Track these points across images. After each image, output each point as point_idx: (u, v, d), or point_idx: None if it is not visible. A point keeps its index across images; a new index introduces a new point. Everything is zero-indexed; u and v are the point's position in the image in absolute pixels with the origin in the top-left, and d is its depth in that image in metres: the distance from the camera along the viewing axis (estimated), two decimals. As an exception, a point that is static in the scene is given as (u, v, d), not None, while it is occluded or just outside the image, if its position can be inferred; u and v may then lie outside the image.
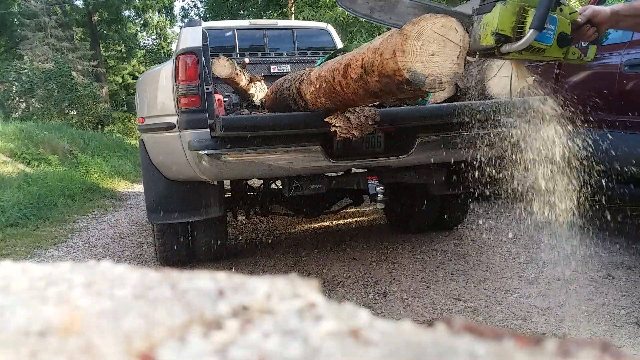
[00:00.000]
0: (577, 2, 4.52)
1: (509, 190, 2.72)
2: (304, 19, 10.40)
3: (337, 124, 2.07)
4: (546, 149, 1.78)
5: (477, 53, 1.46)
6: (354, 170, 2.86)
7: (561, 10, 1.36)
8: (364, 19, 1.56)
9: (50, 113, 13.19)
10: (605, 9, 1.46)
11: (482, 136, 2.50)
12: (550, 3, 1.30)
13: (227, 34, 4.25)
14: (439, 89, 1.38)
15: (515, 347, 0.23)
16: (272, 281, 0.29)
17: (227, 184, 3.28)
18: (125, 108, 21.35)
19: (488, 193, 2.52)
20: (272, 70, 4.15)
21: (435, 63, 1.34)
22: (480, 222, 3.98)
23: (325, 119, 2.12)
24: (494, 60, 2.56)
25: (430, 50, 1.33)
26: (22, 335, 0.23)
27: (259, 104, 3.29)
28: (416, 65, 1.33)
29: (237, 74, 3.08)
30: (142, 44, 28.92)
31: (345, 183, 2.83)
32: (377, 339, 0.23)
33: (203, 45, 2.44)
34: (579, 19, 1.42)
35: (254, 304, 0.27)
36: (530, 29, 1.30)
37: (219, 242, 3.11)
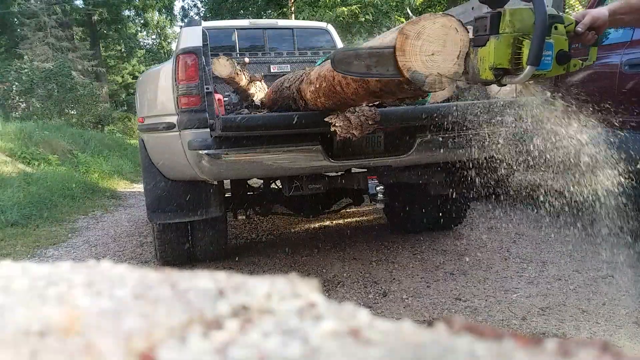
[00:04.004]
0: (577, 2, 4.51)
1: (509, 190, 2.72)
2: (304, 19, 10.40)
3: (337, 124, 2.07)
4: (546, 147, 1.78)
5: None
6: (354, 170, 2.86)
7: (556, 28, 1.33)
8: (364, 77, 1.54)
9: (50, 113, 13.19)
10: (603, 11, 1.44)
11: (482, 136, 2.50)
12: (544, 34, 1.27)
13: (227, 34, 4.24)
14: (439, 88, 1.38)
15: (515, 347, 0.23)
16: (272, 281, 0.29)
17: (227, 183, 3.28)
18: (125, 108, 21.33)
19: (488, 193, 2.52)
20: (272, 70, 4.15)
21: (435, 63, 1.34)
22: (480, 222, 3.98)
23: (325, 119, 2.12)
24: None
25: (430, 50, 1.33)
26: (22, 335, 0.23)
27: (259, 104, 3.29)
28: (416, 65, 1.33)
29: (237, 73, 3.08)
30: (142, 43, 28.91)
31: (345, 183, 2.83)
32: (377, 338, 0.23)
33: (203, 45, 2.44)
34: (579, 29, 1.40)
35: (254, 304, 0.27)
36: (527, 64, 1.28)
37: (219, 242, 3.11)
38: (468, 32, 1.37)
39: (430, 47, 1.33)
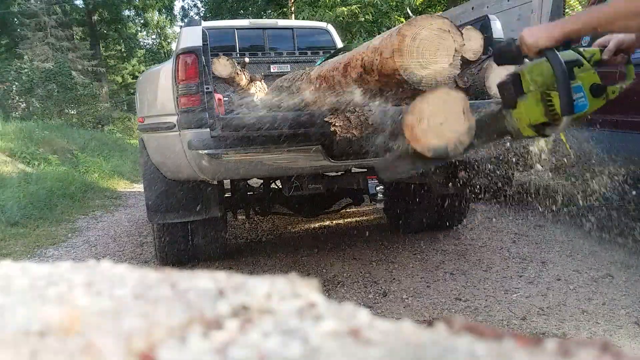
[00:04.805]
0: (577, 2, 4.51)
1: (509, 190, 2.72)
2: (304, 19, 10.40)
3: (337, 124, 2.07)
4: (547, 148, 1.78)
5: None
6: (354, 170, 2.86)
7: (580, 67, 1.32)
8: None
9: (50, 112, 13.19)
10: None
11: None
12: (567, 84, 1.26)
13: (227, 34, 4.24)
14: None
15: (515, 347, 0.23)
16: (272, 281, 0.29)
17: (227, 183, 3.28)
18: (125, 108, 21.34)
19: (488, 192, 2.52)
20: (272, 70, 4.15)
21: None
22: (480, 222, 3.98)
23: (325, 119, 2.12)
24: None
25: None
26: (22, 335, 0.23)
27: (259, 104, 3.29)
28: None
29: (237, 73, 3.08)
30: (142, 43, 28.91)
31: (345, 183, 2.83)
32: (377, 338, 0.23)
33: (203, 44, 2.44)
34: (605, 57, 1.38)
35: (254, 304, 0.27)
36: (562, 116, 1.28)
37: (219, 242, 3.11)
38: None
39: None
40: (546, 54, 1.29)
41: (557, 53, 1.29)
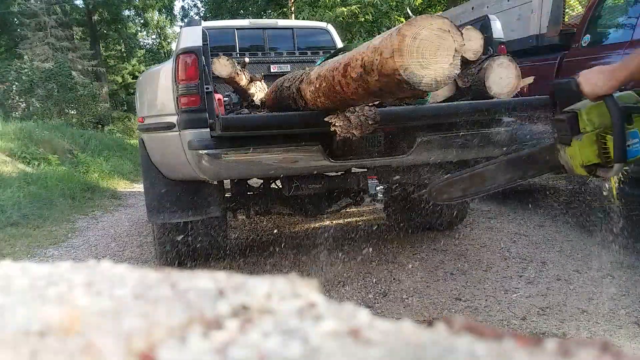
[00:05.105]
0: (577, 2, 4.51)
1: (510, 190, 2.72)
2: (304, 19, 10.40)
3: (337, 124, 2.07)
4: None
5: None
6: (354, 170, 2.86)
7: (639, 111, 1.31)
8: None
9: (50, 112, 13.20)
10: None
11: (481, 135, 2.51)
12: (623, 131, 1.26)
13: (227, 34, 4.24)
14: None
15: (515, 347, 0.23)
16: (272, 281, 0.29)
17: (227, 183, 3.28)
18: (125, 108, 21.34)
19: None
20: (272, 70, 4.15)
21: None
22: (480, 222, 3.98)
23: (325, 119, 2.12)
24: (494, 60, 2.56)
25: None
26: (22, 335, 0.23)
27: (259, 104, 3.29)
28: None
29: (237, 73, 3.08)
30: (142, 43, 28.92)
31: (345, 183, 2.83)
32: (377, 338, 0.23)
33: (203, 44, 2.44)
34: None
35: (254, 304, 0.27)
36: (614, 162, 1.29)
37: (219, 242, 3.11)
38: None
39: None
40: (605, 99, 1.30)
41: (615, 99, 1.29)
